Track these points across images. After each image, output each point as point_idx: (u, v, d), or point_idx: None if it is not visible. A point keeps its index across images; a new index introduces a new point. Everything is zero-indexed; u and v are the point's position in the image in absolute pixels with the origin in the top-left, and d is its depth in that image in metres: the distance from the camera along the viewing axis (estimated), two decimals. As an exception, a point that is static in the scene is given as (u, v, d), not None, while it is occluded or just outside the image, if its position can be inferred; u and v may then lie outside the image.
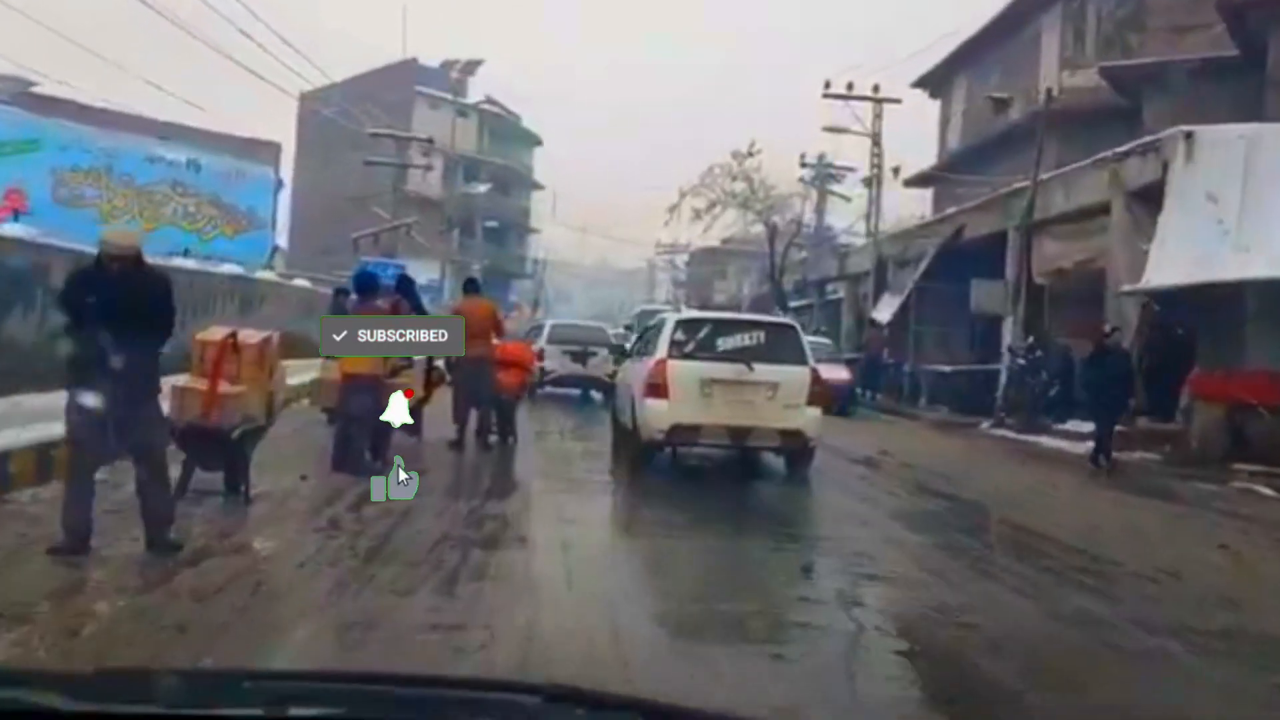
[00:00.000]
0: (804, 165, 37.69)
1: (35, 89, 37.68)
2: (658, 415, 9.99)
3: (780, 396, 9.96)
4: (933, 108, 32.86)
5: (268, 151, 41.37)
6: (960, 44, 29.07)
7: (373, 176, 38.16)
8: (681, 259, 64.03)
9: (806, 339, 11.20)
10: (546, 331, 19.45)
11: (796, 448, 10.23)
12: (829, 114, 32.21)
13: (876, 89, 30.23)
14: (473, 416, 11.41)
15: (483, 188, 46.94)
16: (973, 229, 21.41)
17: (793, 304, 35.71)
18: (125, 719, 1.07)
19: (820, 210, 38.89)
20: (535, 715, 1.10)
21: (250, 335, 7.47)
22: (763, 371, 9.99)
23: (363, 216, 37.74)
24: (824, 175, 38.49)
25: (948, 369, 20.93)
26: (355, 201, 37.52)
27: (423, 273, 39.33)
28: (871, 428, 18.21)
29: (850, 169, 38.67)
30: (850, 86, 30.11)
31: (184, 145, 31.97)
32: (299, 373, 11.21)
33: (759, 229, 42.09)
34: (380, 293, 10.03)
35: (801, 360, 10.30)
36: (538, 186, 61.20)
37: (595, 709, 1.10)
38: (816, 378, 10.33)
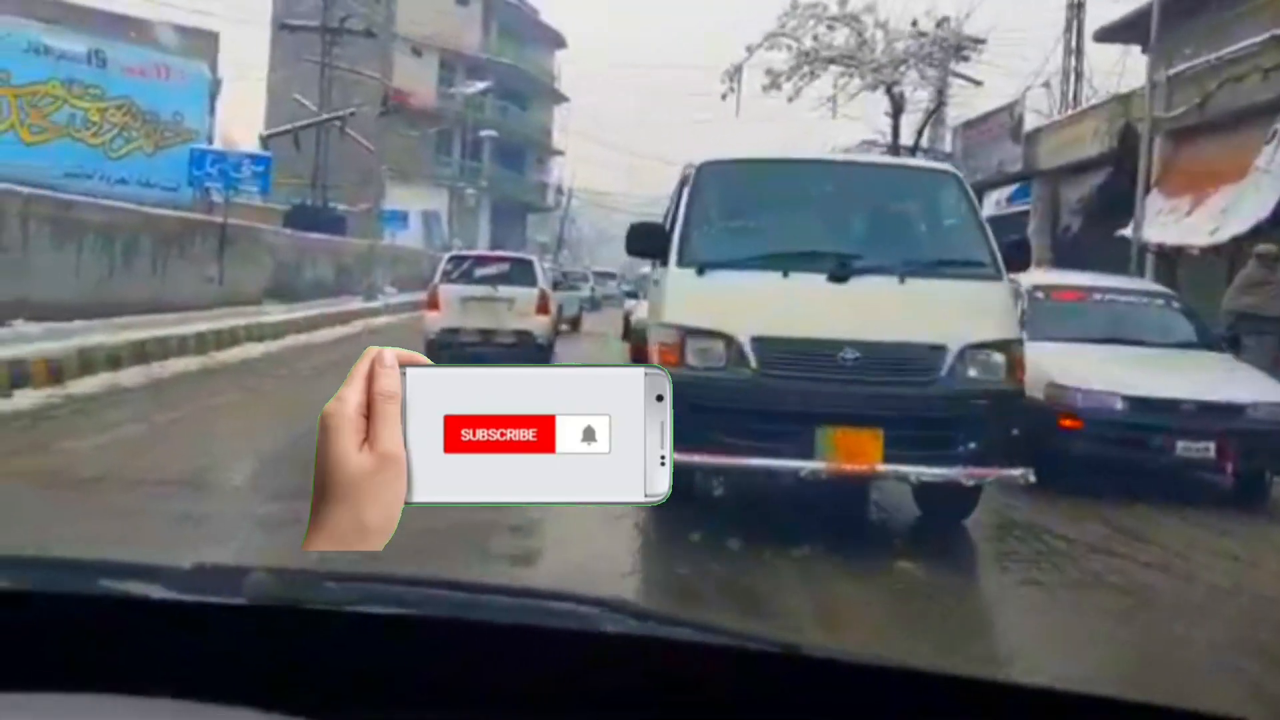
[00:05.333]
0: (919, 35, 27.35)
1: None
2: (433, 322, 14.70)
3: (516, 308, 14.72)
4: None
5: (201, 43, 32.58)
6: None
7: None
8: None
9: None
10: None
11: (529, 344, 14.56)
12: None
13: None
14: None
15: (479, 85, 36.21)
16: None
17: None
18: (216, 609, 1.15)
19: (940, 99, 28.40)
20: (592, 622, 1.15)
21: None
22: (504, 290, 14.74)
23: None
24: (946, 48, 28.07)
25: None
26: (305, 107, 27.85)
27: (411, 201, 29.63)
28: None
29: (980, 40, 28.46)
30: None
31: (82, 33, 25.47)
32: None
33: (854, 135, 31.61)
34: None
35: (533, 284, 15.06)
36: (561, 98, 50.95)
37: (643, 620, 1.17)
38: (543, 294, 15.03)
